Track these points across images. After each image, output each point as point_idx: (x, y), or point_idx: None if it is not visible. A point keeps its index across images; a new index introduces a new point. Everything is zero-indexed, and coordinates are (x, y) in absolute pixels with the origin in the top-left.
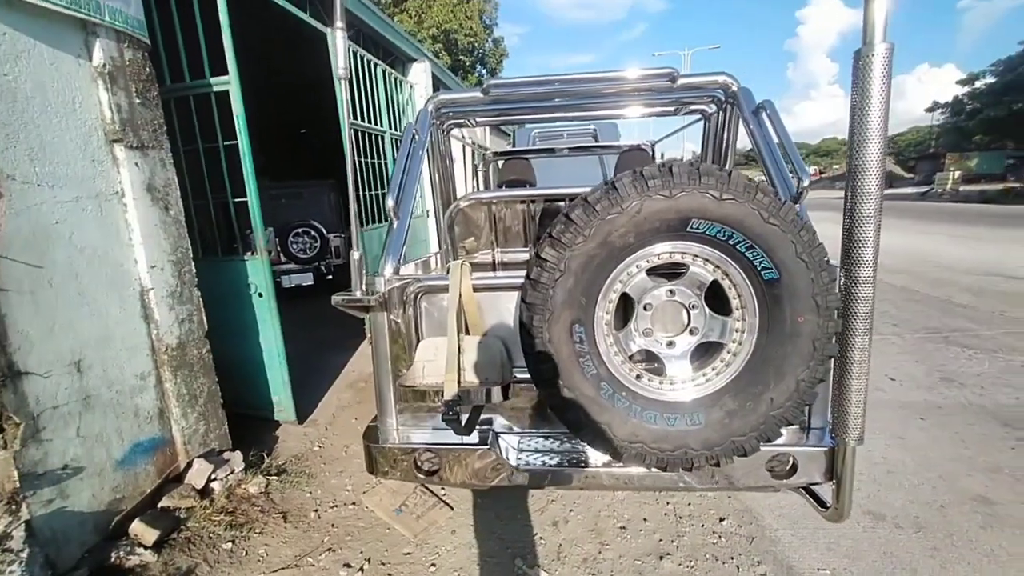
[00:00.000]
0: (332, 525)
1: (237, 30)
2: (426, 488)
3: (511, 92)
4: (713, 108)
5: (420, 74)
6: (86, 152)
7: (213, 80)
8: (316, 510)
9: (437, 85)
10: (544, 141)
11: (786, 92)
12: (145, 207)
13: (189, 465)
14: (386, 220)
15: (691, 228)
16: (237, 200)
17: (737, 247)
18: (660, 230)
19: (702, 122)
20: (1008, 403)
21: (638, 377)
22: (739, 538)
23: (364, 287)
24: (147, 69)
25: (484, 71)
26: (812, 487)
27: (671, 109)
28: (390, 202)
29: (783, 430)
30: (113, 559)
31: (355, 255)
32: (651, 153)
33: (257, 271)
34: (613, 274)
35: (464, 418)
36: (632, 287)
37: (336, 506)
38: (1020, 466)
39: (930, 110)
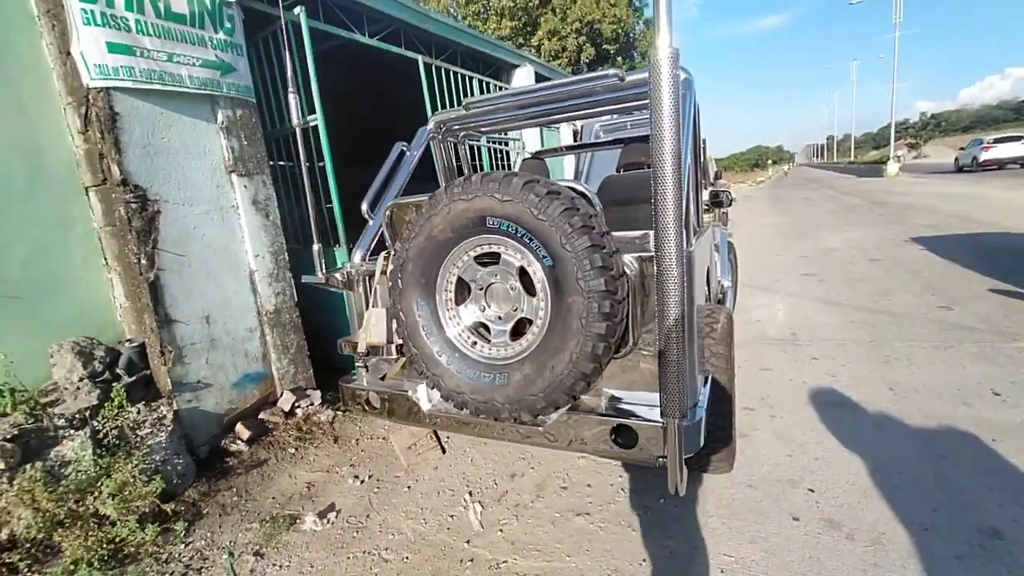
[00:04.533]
0: (362, 450)
1: (340, 69)
2: (435, 435)
3: (488, 106)
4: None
5: (524, 78)
6: (212, 180)
7: (310, 118)
8: (358, 439)
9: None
10: (609, 134)
11: None
12: (251, 215)
13: (281, 395)
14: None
15: (489, 224)
16: (328, 206)
17: (523, 239)
18: (469, 226)
19: None
20: None
21: (474, 344)
22: (666, 516)
23: (322, 272)
24: (252, 120)
25: (636, 55)
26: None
27: (629, 106)
28: (364, 206)
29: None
30: (222, 444)
31: (315, 247)
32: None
33: (342, 257)
34: (446, 261)
35: (389, 369)
36: (466, 273)
37: (372, 438)
38: None
39: None
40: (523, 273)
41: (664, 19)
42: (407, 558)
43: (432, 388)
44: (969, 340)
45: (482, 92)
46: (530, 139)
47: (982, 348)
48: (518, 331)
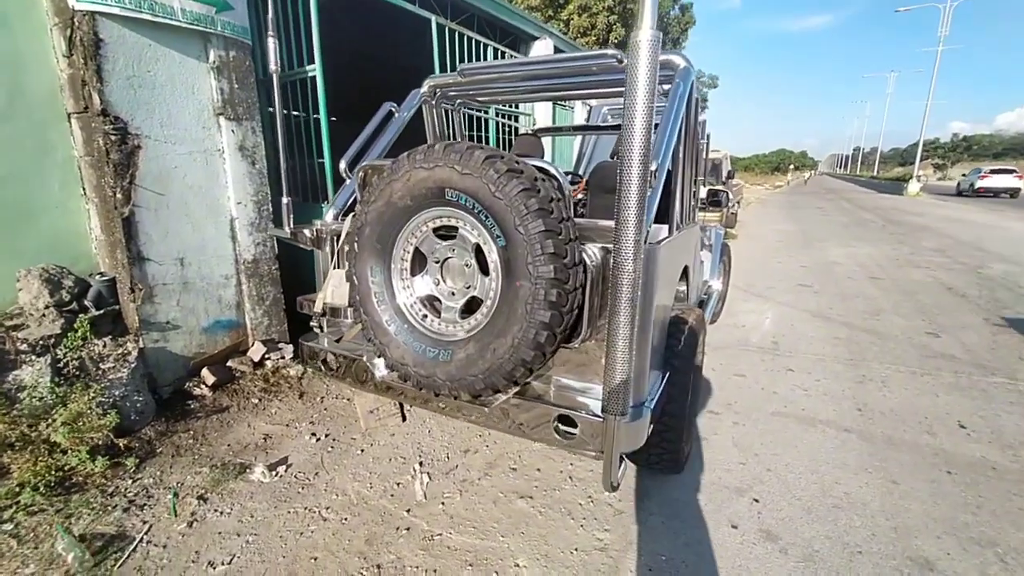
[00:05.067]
0: (325, 409)
1: (345, 21)
2: (399, 405)
3: (483, 74)
4: (666, 87)
5: (543, 51)
6: (198, 121)
7: (308, 67)
8: (323, 397)
9: None
10: (617, 118)
11: None
12: (236, 161)
13: (252, 345)
14: None
15: (448, 196)
16: (320, 161)
17: (479, 215)
18: (428, 196)
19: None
20: None
21: (424, 317)
22: (608, 509)
23: (289, 227)
24: (247, 63)
25: (667, 41)
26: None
27: (621, 90)
28: (343, 164)
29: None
30: (186, 387)
31: (284, 200)
32: None
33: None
34: (404, 230)
35: (347, 332)
36: (423, 244)
37: (337, 398)
38: None
39: None
40: (479, 251)
41: (648, 6)
42: (346, 520)
43: (378, 356)
44: (948, 369)
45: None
46: (541, 115)
47: (958, 379)
48: (470, 309)
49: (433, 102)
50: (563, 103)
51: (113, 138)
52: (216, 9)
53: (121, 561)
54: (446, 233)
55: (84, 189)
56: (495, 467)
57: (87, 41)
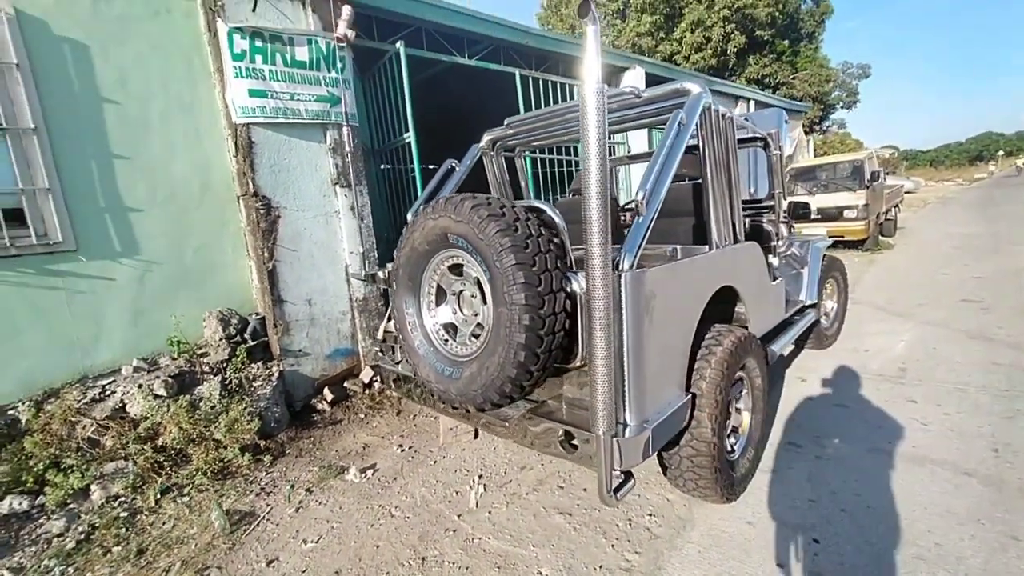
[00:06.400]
0: (415, 425)
1: (438, 86)
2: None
3: (526, 124)
4: (683, 117)
5: (634, 80)
6: (320, 191)
7: (405, 135)
8: (415, 415)
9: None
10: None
11: None
12: (348, 219)
13: (363, 369)
14: None
15: (451, 240)
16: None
17: (472, 254)
18: (438, 241)
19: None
20: None
21: (445, 341)
22: (645, 533)
23: (365, 269)
24: (355, 140)
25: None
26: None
27: (648, 121)
28: (409, 216)
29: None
30: (312, 402)
31: (361, 249)
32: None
33: None
34: (427, 269)
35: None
36: (442, 280)
37: (427, 416)
38: None
39: None
40: (480, 284)
41: (592, 61)
42: (408, 518)
43: (413, 374)
44: None
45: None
46: (637, 143)
47: None
48: (477, 334)
49: (492, 152)
50: (661, 127)
51: (262, 211)
52: (330, 104)
53: (248, 532)
54: (459, 269)
55: (248, 250)
56: (544, 484)
57: (243, 143)
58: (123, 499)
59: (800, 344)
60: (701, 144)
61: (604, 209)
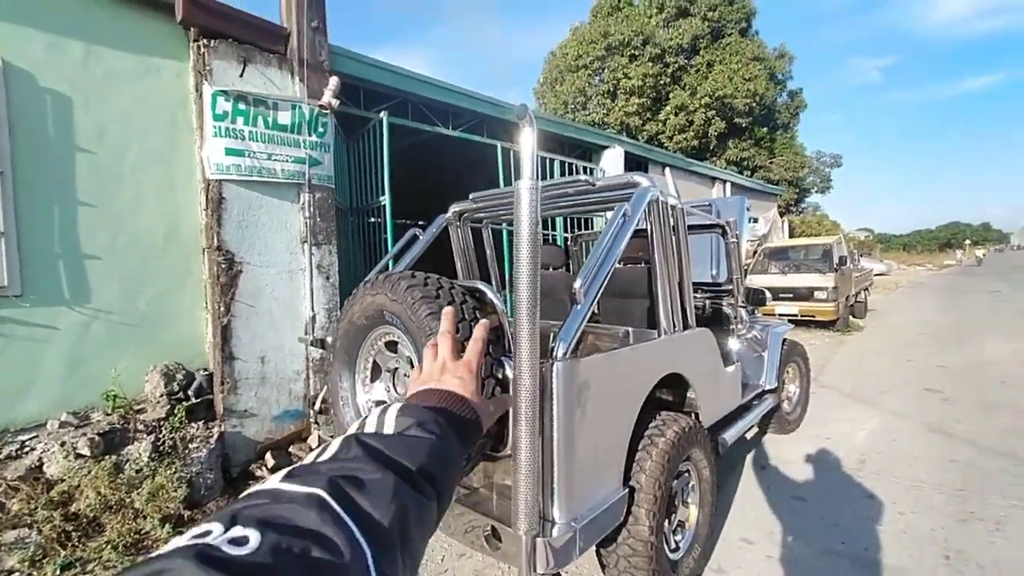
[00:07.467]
0: None
1: (418, 152)
2: None
3: (490, 200)
4: (628, 209)
5: (613, 158)
6: (288, 248)
7: (381, 198)
8: None
9: (633, 162)
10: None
11: None
12: (315, 277)
13: (312, 434)
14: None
15: (386, 317)
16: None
17: (405, 332)
18: (376, 317)
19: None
20: None
21: None
22: None
23: (309, 334)
24: (329, 201)
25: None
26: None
27: (602, 207)
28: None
29: None
30: (251, 468)
31: (308, 314)
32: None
33: None
34: (364, 344)
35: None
36: (378, 356)
37: None
38: None
39: None
40: (412, 363)
41: (528, 162)
42: None
43: None
44: None
45: (564, 173)
46: None
47: None
48: None
49: (459, 223)
50: None
51: (223, 265)
52: (308, 165)
53: None
54: (394, 347)
55: (206, 303)
56: (482, 575)
57: (213, 198)
58: (17, 574)
59: (763, 428)
60: (649, 233)
61: (534, 296)
